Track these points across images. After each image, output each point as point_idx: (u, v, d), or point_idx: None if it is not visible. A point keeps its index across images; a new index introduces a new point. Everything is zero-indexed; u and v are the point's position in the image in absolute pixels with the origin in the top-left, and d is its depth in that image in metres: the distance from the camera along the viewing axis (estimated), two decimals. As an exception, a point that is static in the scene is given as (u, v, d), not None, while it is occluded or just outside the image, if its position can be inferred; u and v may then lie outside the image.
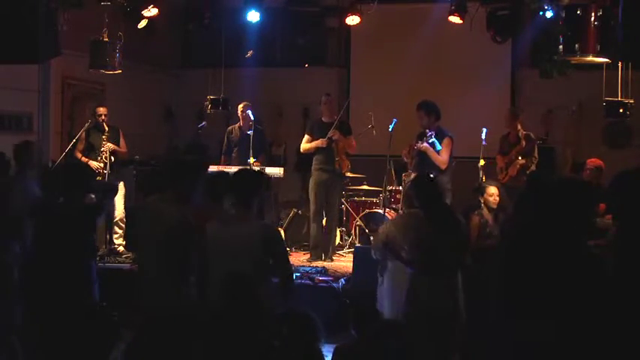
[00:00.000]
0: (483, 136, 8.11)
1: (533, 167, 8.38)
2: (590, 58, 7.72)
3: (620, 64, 8.53)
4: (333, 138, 8.25)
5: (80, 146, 8.41)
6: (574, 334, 3.44)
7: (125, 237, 8.50)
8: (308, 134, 8.52)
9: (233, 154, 8.86)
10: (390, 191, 8.76)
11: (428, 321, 5.08)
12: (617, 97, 8.66)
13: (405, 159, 7.91)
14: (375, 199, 9.16)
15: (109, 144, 8.36)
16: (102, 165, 8.26)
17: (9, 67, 7.85)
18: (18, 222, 5.52)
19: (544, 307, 3.50)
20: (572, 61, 8.15)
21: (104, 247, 8.33)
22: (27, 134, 8.65)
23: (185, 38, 12.19)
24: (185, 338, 4.36)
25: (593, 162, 7.73)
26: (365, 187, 9.35)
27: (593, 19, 7.51)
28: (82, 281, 5.18)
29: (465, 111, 10.14)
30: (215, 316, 4.19)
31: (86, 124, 8.48)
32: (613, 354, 3.44)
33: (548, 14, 8.16)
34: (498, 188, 6.54)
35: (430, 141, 7.52)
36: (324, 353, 4.06)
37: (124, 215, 8.47)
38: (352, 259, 7.58)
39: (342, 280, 7.32)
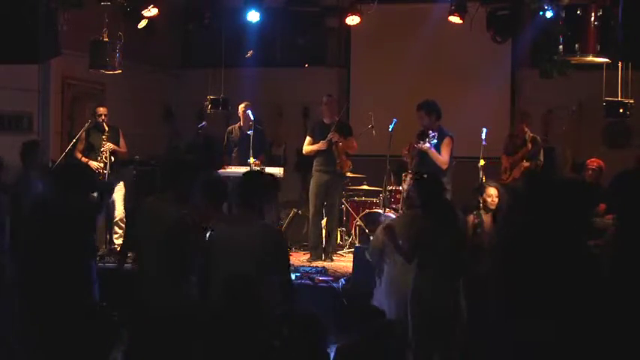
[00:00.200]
0: (483, 136, 8.08)
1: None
2: (590, 58, 7.71)
3: (620, 64, 8.52)
4: (333, 140, 8.25)
5: (80, 146, 8.40)
6: (574, 333, 3.44)
7: (124, 237, 8.50)
8: (309, 136, 8.51)
9: (233, 154, 8.88)
10: (390, 191, 8.75)
11: (431, 320, 5.09)
12: (617, 97, 8.64)
13: (405, 158, 7.90)
14: (375, 199, 9.15)
15: (109, 144, 8.36)
16: (102, 165, 8.26)
17: (9, 67, 7.85)
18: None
19: (544, 307, 3.50)
20: (572, 61, 8.14)
21: (104, 247, 8.33)
22: (27, 134, 8.67)
23: (185, 38, 12.18)
24: (185, 338, 4.37)
25: (593, 162, 7.72)
26: (365, 187, 9.35)
27: (593, 19, 7.50)
28: (82, 281, 5.18)
29: (465, 111, 10.12)
30: (215, 316, 4.19)
31: (86, 124, 8.47)
32: (613, 354, 3.44)
33: (548, 14, 8.15)
34: (498, 189, 6.53)
35: (432, 142, 7.50)
36: (325, 353, 4.06)
37: (124, 215, 8.46)
38: (352, 259, 7.57)
39: (342, 280, 7.30)
